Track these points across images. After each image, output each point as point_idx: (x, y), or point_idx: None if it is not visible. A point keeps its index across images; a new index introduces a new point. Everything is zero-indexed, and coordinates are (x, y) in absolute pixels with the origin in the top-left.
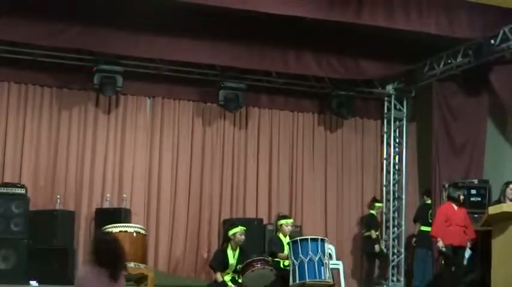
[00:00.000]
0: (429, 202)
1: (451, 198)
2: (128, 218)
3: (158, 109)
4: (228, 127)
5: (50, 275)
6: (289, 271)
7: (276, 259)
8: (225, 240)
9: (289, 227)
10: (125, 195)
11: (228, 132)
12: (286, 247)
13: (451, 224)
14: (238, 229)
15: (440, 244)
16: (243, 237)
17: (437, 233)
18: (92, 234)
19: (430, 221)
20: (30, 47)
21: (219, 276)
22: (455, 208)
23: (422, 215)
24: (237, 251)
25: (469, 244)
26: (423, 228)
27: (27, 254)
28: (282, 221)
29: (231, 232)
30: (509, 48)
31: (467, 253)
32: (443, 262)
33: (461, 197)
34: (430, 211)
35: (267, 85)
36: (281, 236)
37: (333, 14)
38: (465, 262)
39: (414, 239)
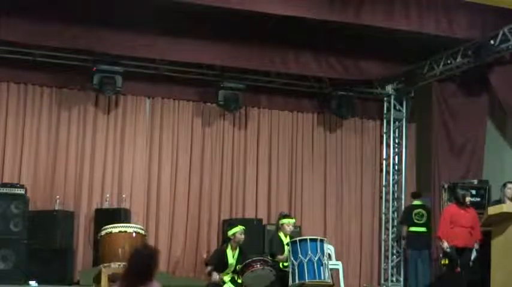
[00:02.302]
0: (416, 203)
1: (455, 199)
2: (127, 218)
3: (158, 109)
4: (228, 127)
5: (50, 276)
6: (288, 271)
7: (275, 260)
8: (225, 241)
9: (291, 227)
10: (124, 195)
11: (227, 133)
12: (286, 248)
13: (455, 226)
14: (238, 229)
15: (445, 245)
16: (243, 236)
17: (442, 234)
18: (92, 234)
19: (416, 221)
20: (30, 47)
21: (215, 275)
22: (461, 209)
23: (408, 216)
24: (237, 251)
25: (476, 245)
26: (412, 229)
27: (27, 255)
28: (284, 221)
29: (230, 232)
30: (508, 49)
31: (473, 255)
32: (446, 263)
33: (467, 198)
34: (415, 211)
35: (267, 85)
36: (282, 235)
37: (333, 14)
38: (471, 264)
39: (405, 242)
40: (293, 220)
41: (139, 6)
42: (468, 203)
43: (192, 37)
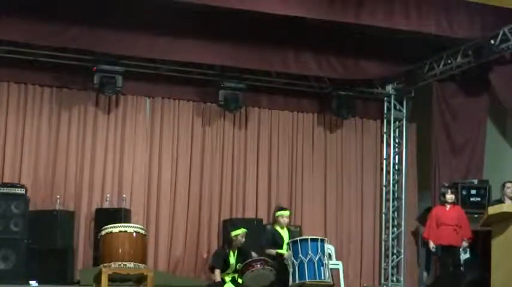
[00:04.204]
0: None
1: (440, 198)
2: (127, 218)
3: (158, 109)
4: (228, 127)
5: (50, 276)
6: (288, 271)
7: (278, 253)
8: (226, 241)
9: (285, 219)
10: (124, 195)
11: (227, 133)
12: (285, 241)
13: (440, 225)
14: (241, 231)
15: (430, 245)
16: (243, 240)
17: (428, 234)
18: (92, 234)
19: None
20: (30, 47)
21: (218, 274)
22: (447, 207)
23: (424, 216)
24: (236, 251)
25: (465, 244)
26: None
27: (27, 255)
28: (278, 213)
29: (233, 233)
30: (509, 49)
31: (465, 254)
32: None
33: (447, 195)
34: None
35: (267, 85)
36: (278, 228)
37: (333, 14)
38: (462, 262)
39: (422, 241)
40: (287, 212)
41: (139, 6)
42: (450, 200)
43: (192, 37)
